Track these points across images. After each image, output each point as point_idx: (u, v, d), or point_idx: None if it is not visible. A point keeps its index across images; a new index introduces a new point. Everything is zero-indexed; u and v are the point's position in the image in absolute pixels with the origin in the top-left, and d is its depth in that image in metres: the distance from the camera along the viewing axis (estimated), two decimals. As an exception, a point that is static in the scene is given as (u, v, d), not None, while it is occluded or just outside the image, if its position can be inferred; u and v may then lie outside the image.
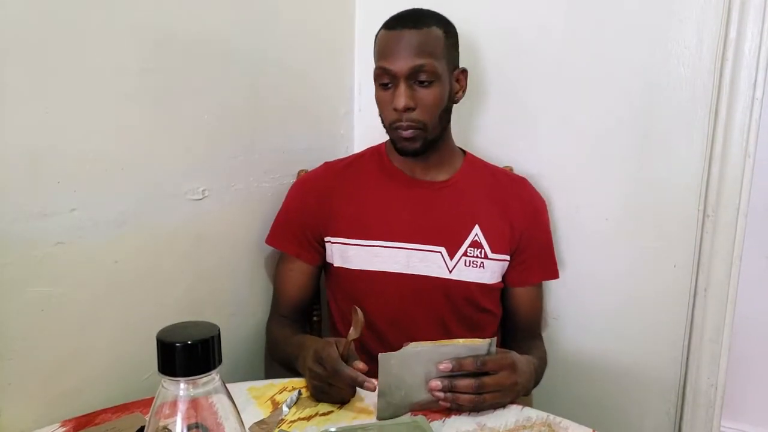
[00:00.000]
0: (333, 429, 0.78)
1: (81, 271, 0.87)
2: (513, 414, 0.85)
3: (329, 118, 1.39)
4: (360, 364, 0.82)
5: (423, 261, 1.09)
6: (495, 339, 0.85)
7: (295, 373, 0.98)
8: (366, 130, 1.45)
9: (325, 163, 1.21)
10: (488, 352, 0.84)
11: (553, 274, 1.21)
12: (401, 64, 1.01)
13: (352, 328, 0.86)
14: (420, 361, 0.82)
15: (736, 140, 1.14)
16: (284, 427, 0.80)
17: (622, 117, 1.22)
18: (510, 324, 1.19)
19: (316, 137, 1.34)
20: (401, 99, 1.02)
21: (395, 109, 1.03)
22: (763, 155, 1.20)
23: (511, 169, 1.28)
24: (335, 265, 1.12)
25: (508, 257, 1.12)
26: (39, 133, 0.79)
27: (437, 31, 1.04)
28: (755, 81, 1.12)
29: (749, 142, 1.14)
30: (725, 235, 1.18)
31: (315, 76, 1.32)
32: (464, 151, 1.19)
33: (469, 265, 1.09)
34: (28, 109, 0.78)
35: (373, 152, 1.19)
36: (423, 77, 1.02)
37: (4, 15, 0.74)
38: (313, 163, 1.24)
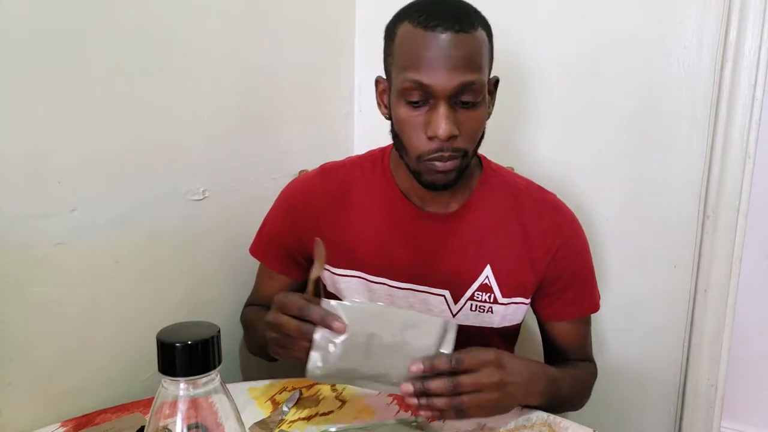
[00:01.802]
0: (333, 429, 0.78)
1: (81, 271, 0.86)
2: (513, 414, 0.84)
3: (329, 119, 1.39)
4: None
5: (424, 304, 0.95)
6: (454, 323, 0.75)
7: (270, 357, 0.91)
8: (366, 131, 1.45)
9: (322, 168, 1.03)
10: (444, 333, 0.73)
11: (591, 308, 1.01)
12: (444, 81, 0.78)
13: (315, 264, 0.76)
14: (362, 321, 0.72)
15: (736, 141, 1.14)
16: (284, 427, 0.80)
17: (622, 117, 1.22)
18: (549, 352, 1.04)
19: (316, 137, 1.33)
20: (443, 125, 0.79)
21: (431, 138, 0.81)
22: (763, 156, 1.20)
23: (512, 170, 1.26)
24: (327, 289, 1.01)
25: (524, 299, 0.96)
26: (39, 133, 0.79)
27: (482, 35, 0.82)
28: (755, 81, 1.12)
29: (749, 142, 1.14)
30: (725, 235, 1.18)
31: (315, 76, 1.32)
32: (480, 160, 0.99)
33: (475, 310, 0.94)
34: (28, 109, 0.78)
35: (375, 164, 0.99)
36: (468, 97, 0.81)
37: (4, 15, 0.74)
38: (313, 163, 1.23)
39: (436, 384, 0.72)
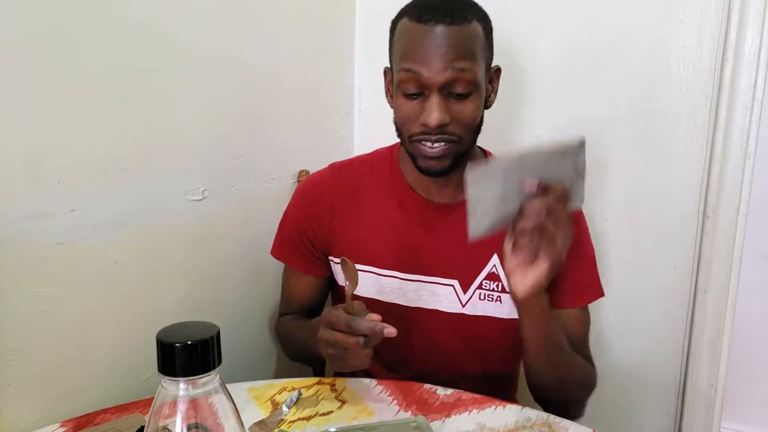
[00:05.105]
0: (333, 429, 0.78)
1: (81, 272, 0.87)
2: (513, 414, 0.84)
3: (329, 119, 1.39)
4: (374, 315, 0.76)
5: (433, 295, 0.97)
6: (584, 139, 0.76)
7: (316, 363, 1.04)
8: (366, 131, 1.45)
9: (331, 166, 1.06)
10: (578, 155, 0.75)
11: (586, 298, 1.00)
12: (435, 72, 0.82)
13: (347, 282, 0.80)
14: (507, 174, 0.72)
15: (736, 141, 1.14)
16: (284, 427, 0.80)
17: (622, 117, 1.22)
18: None
19: (316, 138, 1.34)
20: (434, 114, 0.83)
21: (423, 125, 0.86)
22: (763, 156, 1.20)
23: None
24: (340, 283, 1.04)
25: None
26: (39, 134, 0.79)
27: (477, 28, 0.85)
28: (755, 81, 1.12)
29: (749, 143, 1.14)
30: (725, 235, 1.18)
31: (315, 76, 1.32)
32: (485, 153, 1.02)
33: (485, 299, 0.97)
34: (29, 110, 0.78)
35: (384, 160, 1.03)
36: (460, 88, 0.84)
37: (4, 15, 0.74)
38: (313, 163, 1.23)
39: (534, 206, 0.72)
